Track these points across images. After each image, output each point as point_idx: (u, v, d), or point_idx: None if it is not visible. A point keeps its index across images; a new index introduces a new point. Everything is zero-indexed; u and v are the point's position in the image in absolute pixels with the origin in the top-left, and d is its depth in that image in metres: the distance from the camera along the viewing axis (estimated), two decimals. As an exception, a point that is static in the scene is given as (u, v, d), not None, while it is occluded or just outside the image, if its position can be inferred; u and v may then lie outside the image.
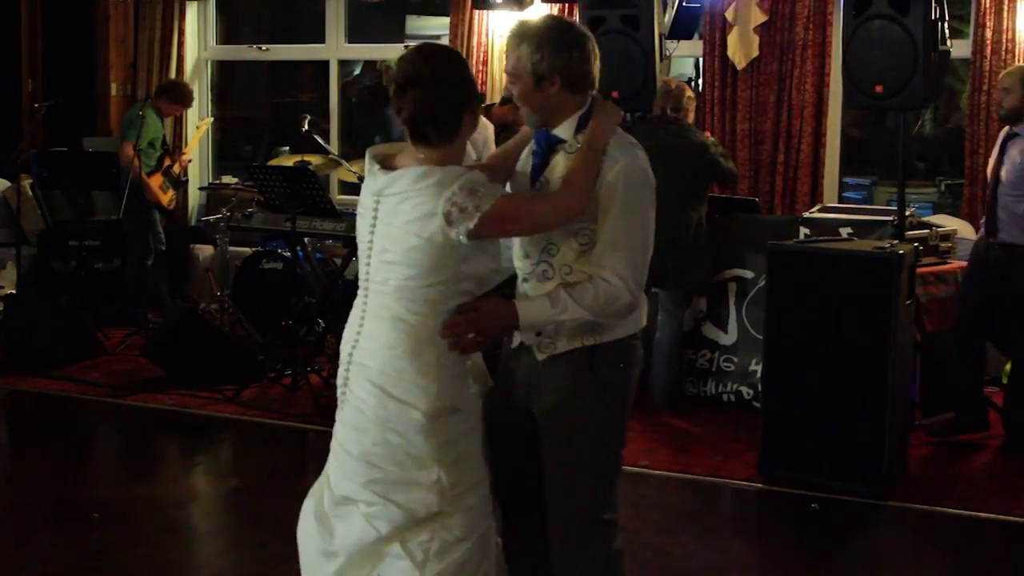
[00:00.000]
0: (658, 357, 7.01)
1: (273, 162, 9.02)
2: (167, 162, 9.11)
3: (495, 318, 3.12)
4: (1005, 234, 6.11)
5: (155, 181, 8.93)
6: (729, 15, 8.46)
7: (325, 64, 10.38)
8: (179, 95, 9.25)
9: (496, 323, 3.13)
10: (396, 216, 3.04)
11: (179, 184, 9.37)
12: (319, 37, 10.36)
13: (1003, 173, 6.12)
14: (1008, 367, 7.34)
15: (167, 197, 9.06)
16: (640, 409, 6.88)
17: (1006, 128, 6.25)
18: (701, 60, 9.02)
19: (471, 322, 3.07)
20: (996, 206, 6.16)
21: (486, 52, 9.25)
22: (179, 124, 10.33)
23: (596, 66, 3.31)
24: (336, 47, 10.31)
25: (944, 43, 6.35)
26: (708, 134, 7.70)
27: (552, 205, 3.12)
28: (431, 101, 3.03)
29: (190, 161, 9.65)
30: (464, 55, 9.21)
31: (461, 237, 2.98)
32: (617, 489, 3.32)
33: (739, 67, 8.49)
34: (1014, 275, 6.11)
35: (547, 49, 3.17)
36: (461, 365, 3.13)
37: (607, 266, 3.08)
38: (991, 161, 6.36)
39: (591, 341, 3.18)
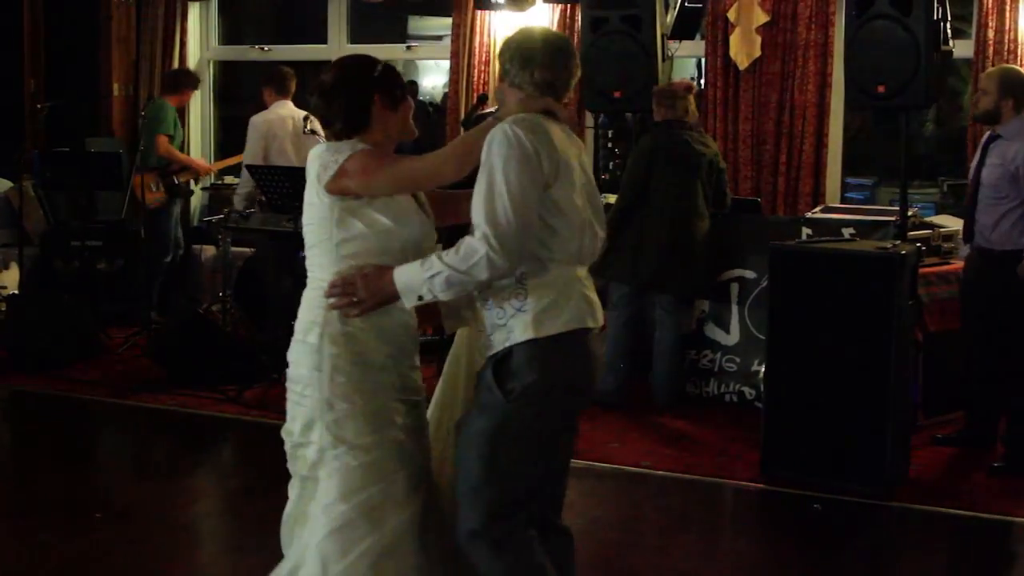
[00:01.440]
0: (658, 357, 7.02)
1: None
2: (180, 178, 9.03)
3: (372, 280, 3.15)
4: (981, 239, 5.96)
5: (148, 179, 8.88)
6: (731, 15, 8.46)
7: (327, 64, 10.36)
8: (185, 81, 9.20)
9: (374, 286, 3.15)
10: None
11: (188, 194, 9.34)
12: (321, 37, 10.36)
13: (984, 176, 5.96)
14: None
15: (152, 197, 8.99)
16: (641, 409, 6.94)
17: (987, 131, 6.13)
18: (703, 60, 9.02)
19: (348, 283, 3.17)
20: (974, 211, 5.99)
21: (488, 52, 9.25)
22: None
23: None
24: (338, 47, 10.30)
25: (946, 43, 6.35)
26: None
27: (419, 163, 3.29)
28: (328, 105, 3.36)
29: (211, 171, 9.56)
30: (467, 55, 9.28)
31: (322, 194, 3.22)
32: (511, 506, 3.15)
33: (741, 67, 8.49)
34: (992, 282, 5.94)
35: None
36: (355, 329, 3.22)
37: (473, 224, 3.08)
38: (972, 165, 6.19)
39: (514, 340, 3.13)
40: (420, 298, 3.10)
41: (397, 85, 3.37)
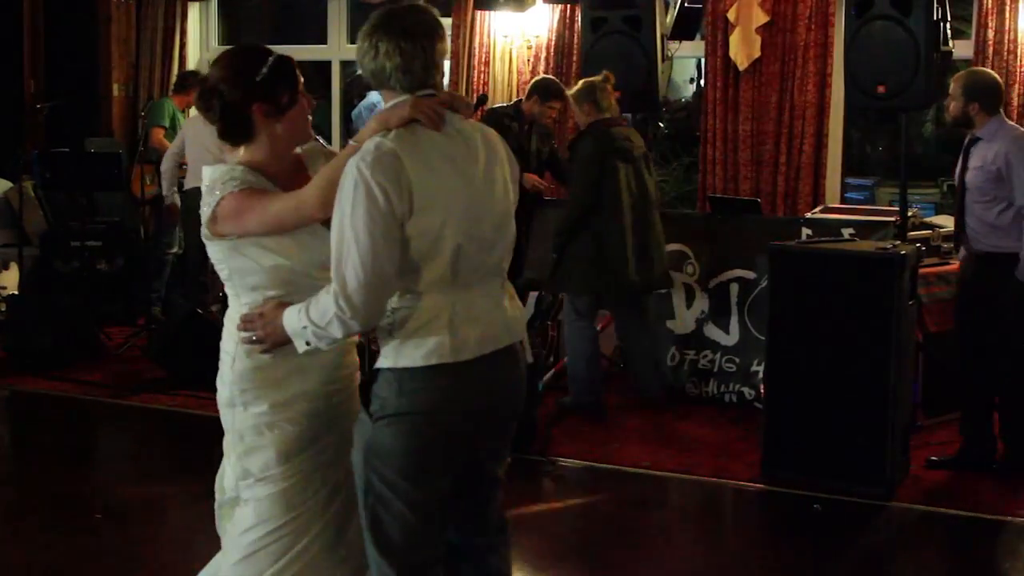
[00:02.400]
0: (640, 358, 7.01)
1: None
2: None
3: (268, 320, 2.99)
4: (974, 243, 5.82)
5: (144, 171, 8.89)
6: (731, 16, 8.46)
7: (327, 64, 10.38)
8: (193, 82, 9.19)
9: (270, 326, 2.98)
10: None
11: (180, 187, 9.34)
12: (321, 37, 10.36)
13: (968, 179, 5.82)
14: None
15: (148, 189, 9.00)
16: (642, 409, 6.94)
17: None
18: (703, 61, 9.02)
19: (249, 321, 3.04)
20: (964, 216, 5.86)
21: (488, 52, 9.25)
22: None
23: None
24: (338, 47, 10.30)
25: (946, 44, 6.36)
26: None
27: (283, 204, 3.01)
28: (207, 108, 3.11)
29: None
30: (466, 55, 9.28)
31: (206, 234, 3.08)
32: (401, 543, 2.96)
33: (741, 68, 8.49)
34: (988, 285, 5.80)
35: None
36: (265, 363, 3.10)
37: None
38: (956, 170, 6.00)
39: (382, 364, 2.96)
40: (308, 344, 2.90)
41: (286, 87, 3.09)
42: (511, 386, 3.05)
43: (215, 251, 3.13)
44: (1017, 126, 5.87)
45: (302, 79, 3.16)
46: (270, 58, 3.10)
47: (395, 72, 2.93)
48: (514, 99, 8.60)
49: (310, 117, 3.22)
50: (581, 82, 6.95)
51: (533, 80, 8.05)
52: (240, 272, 3.09)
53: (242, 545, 3.17)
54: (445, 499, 3.00)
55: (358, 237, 2.78)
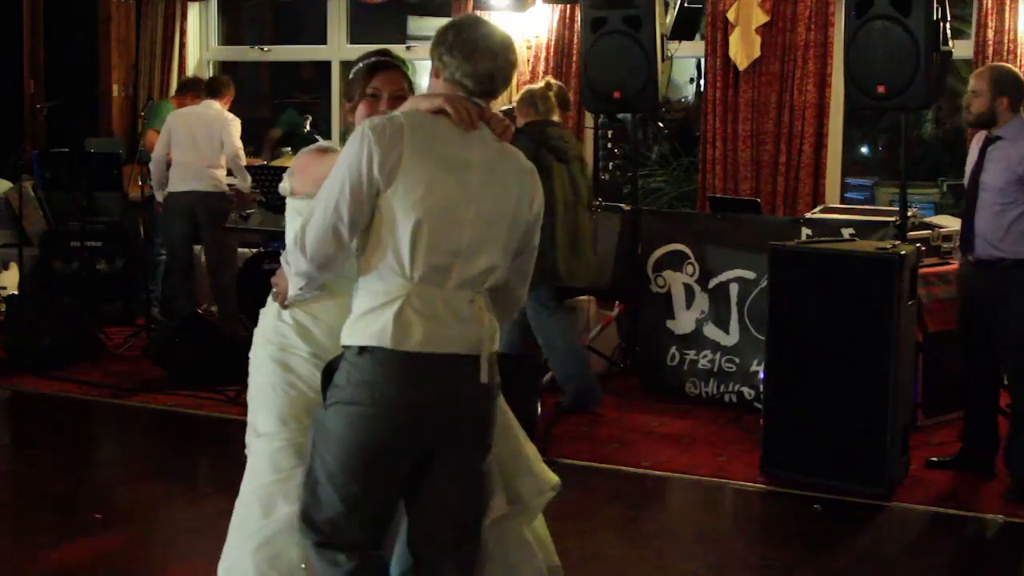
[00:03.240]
0: (551, 359, 6.95)
1: (275, 163, 9.03)
2: None
3: (282, 272, 3.14)
4: (982, 250, 5.58)
5: (136, 171, 8.89)
6: (731, 16, 8.46)
7: (327, 65, 10.39)
8: (194, 87, 9.21)
9: (282, 276, 3.15)
10: None
11: None
12: (321, 38, 10.36)
13: (987, 181, 5.59)
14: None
15: (140, 189, 9.01)
16: (641, 410, 6.94)
17: (980, 133, 5.73)
18: (703, 60, 9.03)
19: (273, 275, 3.24)
20: (974, 219, 5.61)
21: (488, 53, 9.24)
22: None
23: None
24: (338, 48, 10.31)
25: (946, 44, 6.35)
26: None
27: (330, 165, 3.17)
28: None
29: None
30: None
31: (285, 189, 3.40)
32: (328, 522, 3.01)
33: (741, 68, 8.50)
34: (999, 293, 5.58)
35: None
36: (283, 324, 3.29)
37: None
38: (968, 170, 5.78)
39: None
40: (299, 288, 3.10)
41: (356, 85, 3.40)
42: (465, 397, 3.01)
43: (289, 209, 3.33)
44: None
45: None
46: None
47: (468, 76, 3.01)
48: (513, 101, 8.59)
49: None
50: (524, 89, 7.16)
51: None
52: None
53: (239, 497, 3.32)
54: (383, 494, 3.01)
55: (335, 181, 2.93)
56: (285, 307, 3.24)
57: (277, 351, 3.28)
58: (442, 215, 2.92)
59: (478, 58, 3.00)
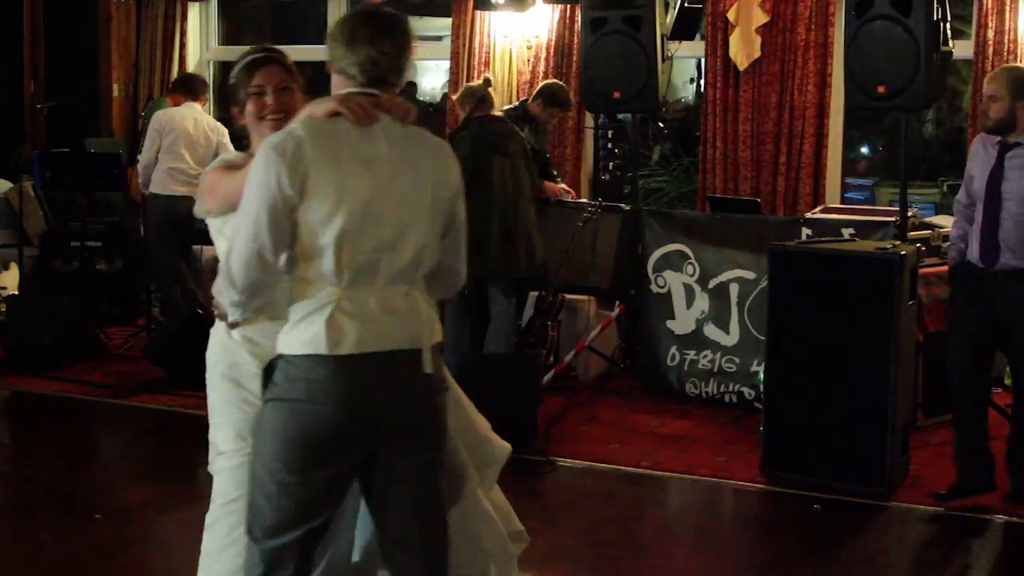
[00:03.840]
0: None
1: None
2: None
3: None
4: (1008, 260, 5.28)
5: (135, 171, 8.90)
6: (731, 16, 8.46)
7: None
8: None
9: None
10: None
11: None
12: (321, 38, 10.32)
13: (1009, 191, 5.28)
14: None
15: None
16: (641, 410, 6.94)
17: (984, 136, 5.43)
18: (703, 61, 9.03)
19: (212, 295, 3.16)
20: (998, 230, 5.29)
21: (488, 53, 9.26)
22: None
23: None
24: (338, 48, 10.30)
25: (946, 44, 6.35)
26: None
27: (231, 183, 3.21)
28: None
29: None
30: (466, 55, 9.28)
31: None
32: (267, 524, 2.99)
33: (741, 68, 8.49)
34: (1013, 304, 5.32)
35: None
36: (231, 341, 3.28)
37: None
38: (978, 176, 5.42)
39: None
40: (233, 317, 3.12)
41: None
42: (405, 391, 2.99)
43: (212, 230, 3.33)
44: None
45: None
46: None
47: (353, 65, 3.02)
48: (514, 100, 8.61)
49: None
50: (464, 87, 7.36)
51: (544, 84, 8.06)
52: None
53: (209, 513, 3.33)
54: (324, 491, 3.00)
55: (249, 209, 2.90)
56: (232, 327, 3.23)
57: (228, 368, 3.28)
58: (360, 215, 2.92)
59: (358, 47, 3.01)
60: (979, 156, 5.43)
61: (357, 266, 2.93)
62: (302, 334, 2.92)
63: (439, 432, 3.11)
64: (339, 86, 3.07)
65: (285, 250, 2.91)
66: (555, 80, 8.33)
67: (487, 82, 7.18)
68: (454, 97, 7.49)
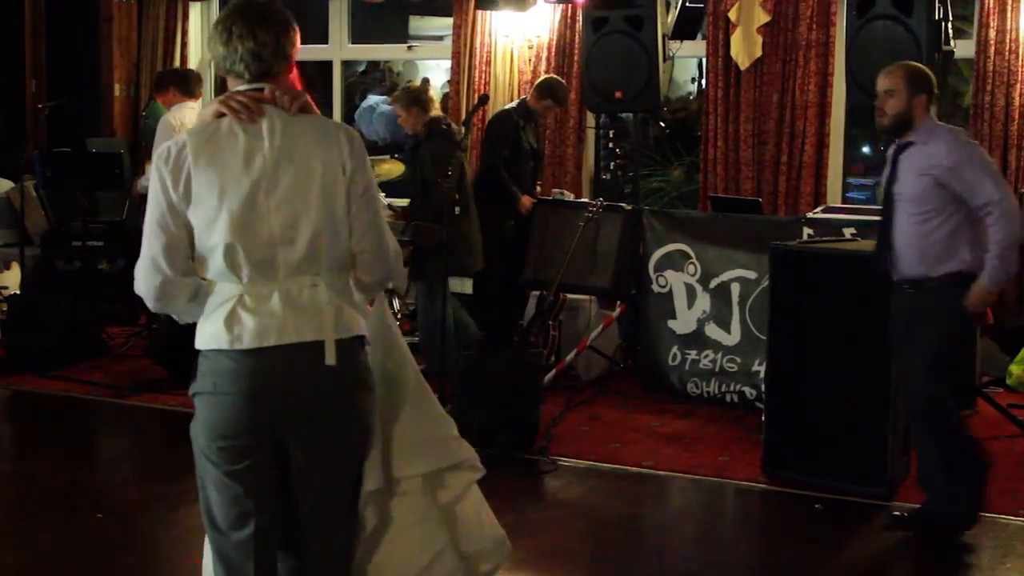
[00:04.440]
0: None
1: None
2: None
3: None
4: (905, 268, 5.00)
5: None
6: (732, 15, 8.46)
7: (328, 64, 10.39)
8: (191, 88, 9.08)
9: None
10: None
11: None
12: (322, 37, 10.36)
13: (900, 191, 5.00)
14: (1013, 368, 7.35)
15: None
16: (642, 410, 6.95)
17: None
18: (704, 60, 9.03)
19: None
20: (892, 234, 5.03)
21: (489, 52, 9.26)
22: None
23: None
24: (339, 47, 10.31)
25: (947, 43, 6.36)
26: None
27: None
28: None
29: None
30: (468, 55, 9.29)
31: None
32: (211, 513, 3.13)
33: (742, 67, 8.49)
34: (918, 314, 5.00)
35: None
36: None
37: None
38: (883, 180, 5.22)
39: None
40: None
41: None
42: (306, 383, 3.01)
43: None
44: (948, 125, 5.14)
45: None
46: None
47: (237, 62, 3.03)
48: (515, 99, 8.61)
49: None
50: (402, 89, 7.54)
51: (542, 79, 8.10)
52: None
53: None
54: (253, 482, 3.06)
55: (147, 218, 3.01)
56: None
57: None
58: (245, 212, 2.95)
59: (236, 43, 3.02)
60: (889, 161, 5.20)
61: (254, 261, 2.97)
62: (208, 329, 3.01)
63: (350, 426, 3.10)
64: (232, 86, 3.08)
65: (180, 255, 2.98)
66: (552, 76, 8.34)
67: (426, 81, 7.44)
68: (394, 96, 7.63)
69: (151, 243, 2.98)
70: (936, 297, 4.94)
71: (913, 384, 5.04)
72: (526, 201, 7.85)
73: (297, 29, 3.09)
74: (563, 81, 8.17)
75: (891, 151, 5.12)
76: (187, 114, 8.07)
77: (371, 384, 3.15)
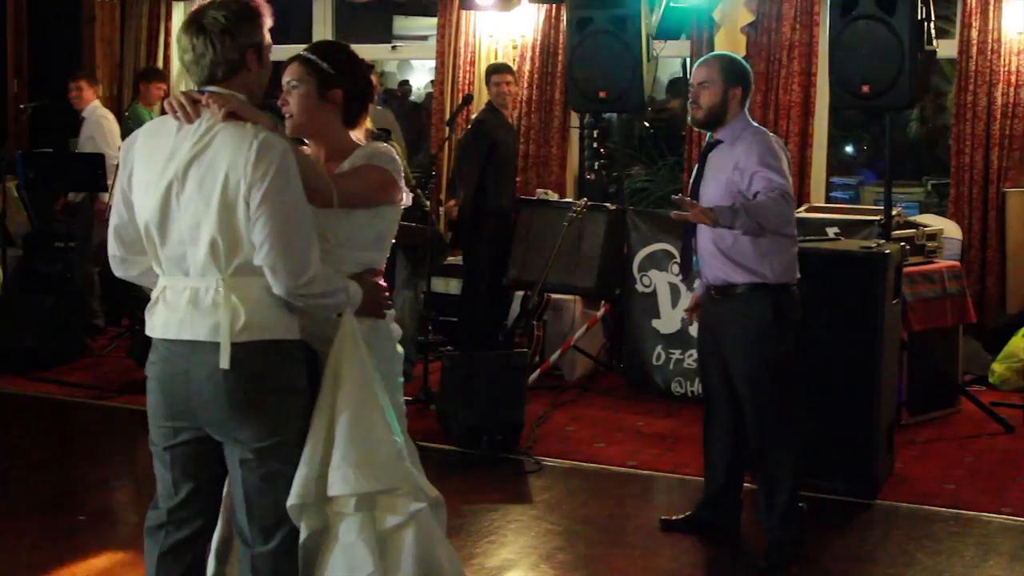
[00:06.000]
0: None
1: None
2: None
3: None
4: (709, 274, 4.78)
5: None
6: (716, 15, 8.47)
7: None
8: (156, 74, 9.22)
9: None
10: None
11: None
12: (306, 37, 10.33)
13: (704, 194, 4.73)
14: (996, 366, 7.38)
15: None
16: (626, 410, 6.95)
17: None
18: (688, 60, 9.03)
19: None
20: (696, 238, 4.81)
21: (473, 52, 9.25)
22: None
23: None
24: (323, 47, 10.28)
25: (930, 43, 6.37)
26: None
27: None
28: None
29: None
30: (452, 55, 9.27)
31: None
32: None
33: (726, 67, 8.49)
34: (723, 322, 4.81)
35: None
36: None
37: None
38: (690, 181, 5.02)
39: None
40: None
41: None
42: (206, 383, 3.07)
43: None
44: (761, 127, 4.85)
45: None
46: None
47: (191, 66, 3.14)
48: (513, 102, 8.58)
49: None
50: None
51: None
52: None
53: None
54: (186, 467, 3.23)
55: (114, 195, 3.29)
56: None
57: None
58: (161, 210, 3.09)
59: (180, 52, 3.18)
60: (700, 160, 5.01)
61: (169, 257, 3.12)
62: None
63: (257, 429, 3.10)
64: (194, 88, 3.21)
65: (130, 237, 3.22)
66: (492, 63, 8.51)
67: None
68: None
69: (111, 221, 3.25)
70: (740, 306, 4.70)
71: (741, 390, 4.78)
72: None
73: (253, 29, 3.12)
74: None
75: (703, 150, 4.93)
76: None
77: (291, 388, 3.14)
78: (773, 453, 4.77)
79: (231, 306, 3.04)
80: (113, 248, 3.27)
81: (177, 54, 3.18)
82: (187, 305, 3.08)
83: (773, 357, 4.71)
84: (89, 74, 9.36)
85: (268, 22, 3.17)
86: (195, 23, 3.09)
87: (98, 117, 8.87)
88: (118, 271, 3.31)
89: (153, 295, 3.17)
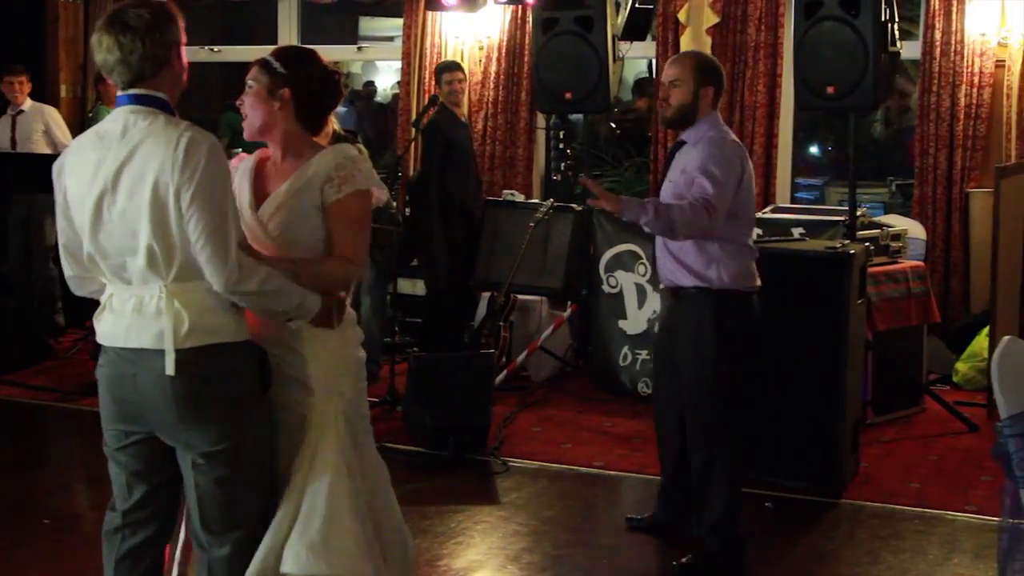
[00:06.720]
0: None
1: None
2: None
3: None
4: (666, 275, 4.76)
5: None
6: (682, 16, 8.49)
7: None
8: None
9: None
10: None
11: None
12: (272, 38, 10.29)
13: (666, 192, 4.68)
14: (960, 365, 7.43)
15: None
16: (593, 411, 6.96)
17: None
18: (654, 61, 9.05)
19: None
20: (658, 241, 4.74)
21: (439, 53, 9.23)
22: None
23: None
24: (289, 48, 10.24)
25: (894, 44, 6.41)
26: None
27: None
28: None
29: None
30: (418, 56, 9.26)
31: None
32: None
33: (692, 68, 8.51)
34: (674, 324, 4.79)
35: None
36: None
37: None
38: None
39: None
40: None
41: None
42: (152, 390, 3.07)
43: None
44: (726, 134, 4.75)
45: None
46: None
47: (116, 66, 3.06)
48: (464, 100, 8.56)
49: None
50: None
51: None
52: None
53: None
54: (138, 470, 3.23)
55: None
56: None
57: None
58: (95, 222, 3.06)
59: (104, 53, 3.07)
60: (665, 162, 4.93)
61: (110, 266, 3.09)
62: None
63: (203, 435, 3.10)
64: (114, 91, 3.16)
65: (79, 254, 3.14)
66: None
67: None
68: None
69: (59, 240, 3.19)
70: (687, 308, 4.67)
71: (684, 397, 4.75)
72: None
73: (175, 27, 3.10)
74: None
75: (670, 150, 4.88)
76: None
77: (241, 391, 3.13)
78: (707, 471, 4.73)
79: (174, 312, 3.03)
80: (67, 268, 3.21)
81: (97, 57, 3.06)
82: (132, 313, 3.07)
83: (711, 372, 4.62)
84: (26, 68, 9.16)
85: (183, 24, 3.15)
86: (119, 22, 3.03)
87: (45, 110, 8.80)
88: (77, 290, 3.25)
89: (101, 301, 3.16)
